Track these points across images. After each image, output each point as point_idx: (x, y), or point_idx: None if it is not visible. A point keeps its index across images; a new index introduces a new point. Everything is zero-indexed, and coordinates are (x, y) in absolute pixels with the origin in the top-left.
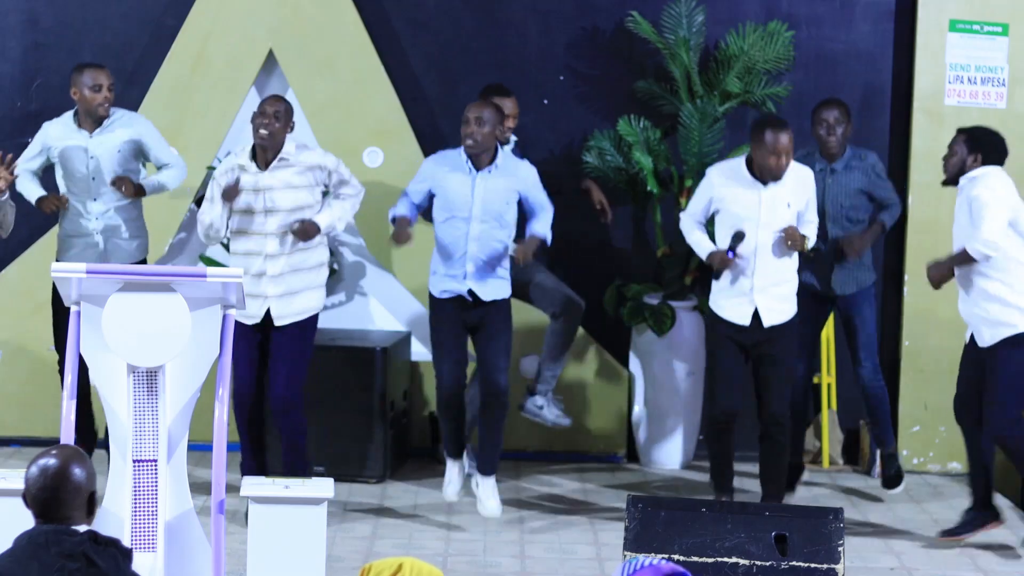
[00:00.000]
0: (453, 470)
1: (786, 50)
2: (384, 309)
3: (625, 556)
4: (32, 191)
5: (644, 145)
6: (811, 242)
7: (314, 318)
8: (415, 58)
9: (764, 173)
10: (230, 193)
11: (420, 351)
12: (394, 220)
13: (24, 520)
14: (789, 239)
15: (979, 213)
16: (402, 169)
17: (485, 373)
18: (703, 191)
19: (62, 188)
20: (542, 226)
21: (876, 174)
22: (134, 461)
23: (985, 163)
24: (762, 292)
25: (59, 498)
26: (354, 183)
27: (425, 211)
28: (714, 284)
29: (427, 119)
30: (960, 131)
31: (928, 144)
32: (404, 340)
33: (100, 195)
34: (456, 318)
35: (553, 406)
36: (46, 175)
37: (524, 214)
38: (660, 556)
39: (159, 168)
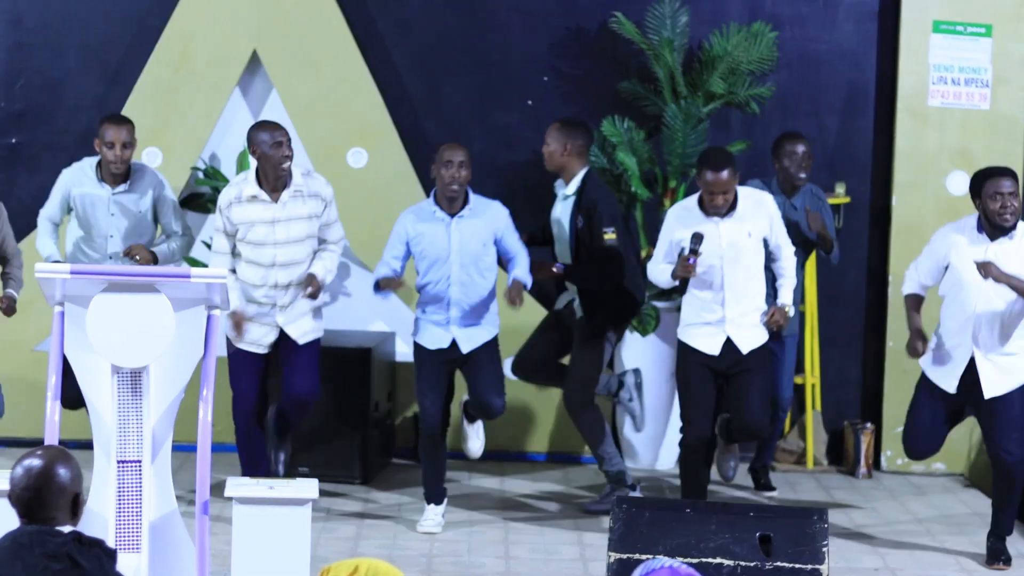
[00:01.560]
0: (432, 512)
1: (770, 51)
2: (368, 310)
3: (610, 556)
4: (54, 256)
5: (628, 146)
6: (790, 296)
7: (317, 341)
8: (399, 58)
9: (708, 209)
10: (240, 329)
11: (404, 352)
12: (377, 283)
13: (10, 520)
14: (772, 324)
15: None
16: (386, 169)
17: (478, 397)
18: (664, 235)
19: (75, 237)
20: (523, 271)
21: (826, 211)
22: (118, 462)
23: None
24: (734, 323)
25: (43, 499)
26: (338, 229)
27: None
28: (683, 314)
29: (411, 119)
30: (1007, 175)
31: (912, 145)
32: (388, 341)
33: (114, 253)
34: (440, 358)
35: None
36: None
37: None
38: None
39: (166, 234)
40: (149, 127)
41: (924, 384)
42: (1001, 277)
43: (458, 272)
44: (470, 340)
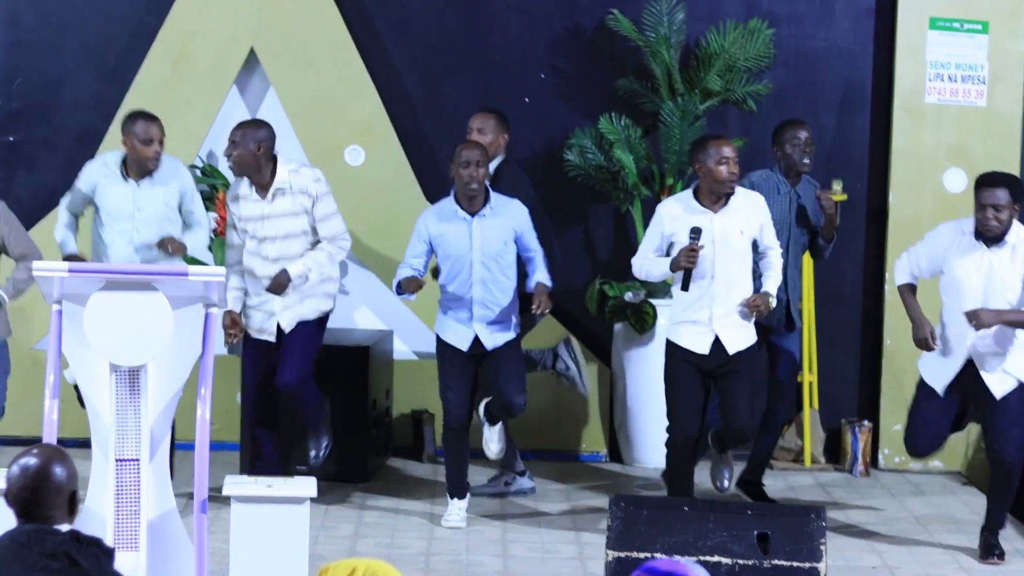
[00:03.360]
0: (456, 507)
1: (766, 48)
2: (366, 308)
3: (608, 555)
4: (67, 243)
5: (625, 143)
6: (775, 286)
7: (324, 317)
8: (397, 57)
9: (714, 188)
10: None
11: (402, 350)
12: (399, 285)
13: (7, 519)
14: (753, 309)
15: None
16: (384, 168)
17: (499, 394)
18: (654, 229)
19: (99, 231)
20: (544, 274)
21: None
22: (116, 460)
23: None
24: (722, 322)
25: (40, 498)
26: (332, 225)
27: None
28: (671, 313)
29: (409, 118)
30: (1003, 182)
31: (908, 142)
32: (386, 339)
33: (140, 247)
34: (463, 355)
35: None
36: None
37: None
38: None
39: (188, 224)
40: None
41: (924, 382)
42: (991, 322)
43: (480, 271)
44: (493, 338)
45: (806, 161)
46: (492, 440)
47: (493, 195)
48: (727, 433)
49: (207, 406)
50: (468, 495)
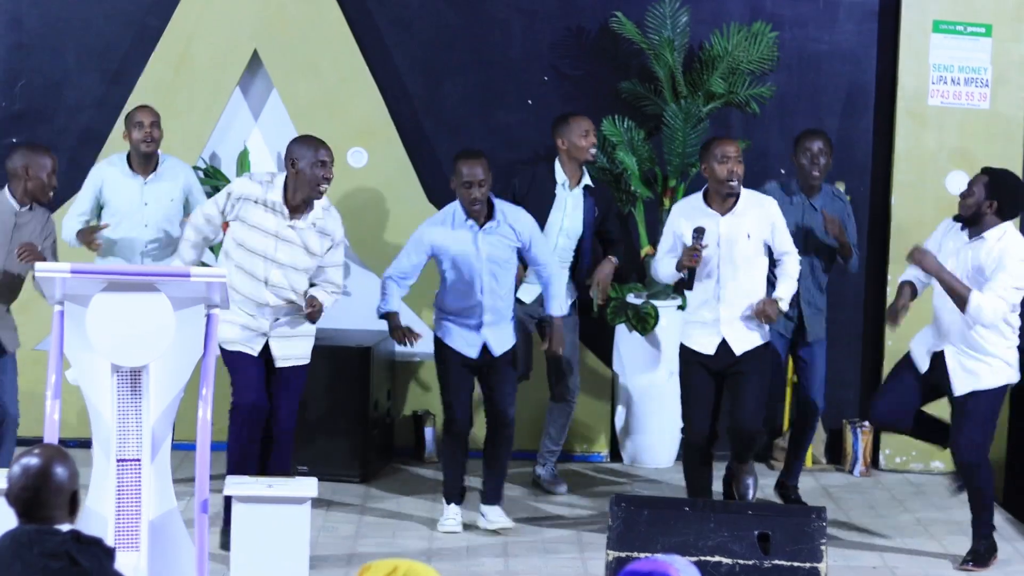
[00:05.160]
0: (453, 512)
1: (770, 51)
2: (367, 308)
3: (608, 555)
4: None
5: (628, 145)
6: (788, 293)
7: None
8: (399, 58)
9: (716, 188)
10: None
11: (403, 350)
12: (383, 316)
13: (9, 519)
14: (760, 315)
15: (1005, 284)
16: (386, 169)
17: (494, 405)
18: (667, 229)
19: (110, 229)
20: (559, 302)
21: (848, 215)
22: (118, 460)
23: (998, 213)
24: (729, 324)
25: (41, 498)
26: (339, 275)
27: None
28: (685, 314)
29: (411, 119)
30: (985, 171)
31: (911, 145)
32: (387, 340)
33: (150, 242)
34: (468, 361)
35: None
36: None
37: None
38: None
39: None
40: None
41: (908, 354)
42: (930, 268)
43: (488, 280)
44: (501, 343)
45: (815, 174)
46: (499, 523)
47: (498, 204)
48: (731, 434)
49: (208, 407)
50: (464, 500)
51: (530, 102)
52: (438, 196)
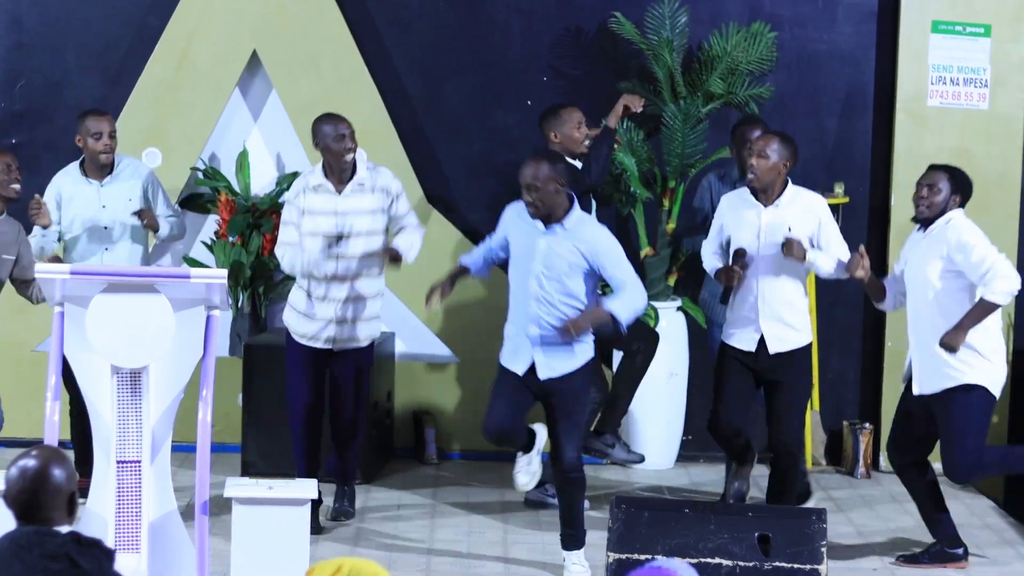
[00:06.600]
0: (526, 459)
1: (769, 51)
2: None
3: (608, 556)
4: (46, 248)
5: (627, 146)
6: (819, 264)
7: (372, 345)
8: (398, 58)
9: (748, 179)
10: None
11: (404, 351)
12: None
13: (6, 521)
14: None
15: (983, 258)
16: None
17: (554, 448)
18: (716, 218)
19: (73, 236)
20: (616, 303)
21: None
22: (118, 462)
23: (961, 205)
24: (767, 319)
25: (39, 500)
26: (414, 217)
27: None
28: (728, 313)
29: (410, 119)
30: (943, 169)
31: (910, 145)
32: (388, 340)
33: (113, 245)
34: (517, 378)
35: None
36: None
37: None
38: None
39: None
40: (149, 127)
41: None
42: (960, 341)
43: (535, 287)
44: (550, 366)
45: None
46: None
47: (575, 214)
48: (771, 449)
49: (208, 408)
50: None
51: (529, 102)
52: (437, 195)
